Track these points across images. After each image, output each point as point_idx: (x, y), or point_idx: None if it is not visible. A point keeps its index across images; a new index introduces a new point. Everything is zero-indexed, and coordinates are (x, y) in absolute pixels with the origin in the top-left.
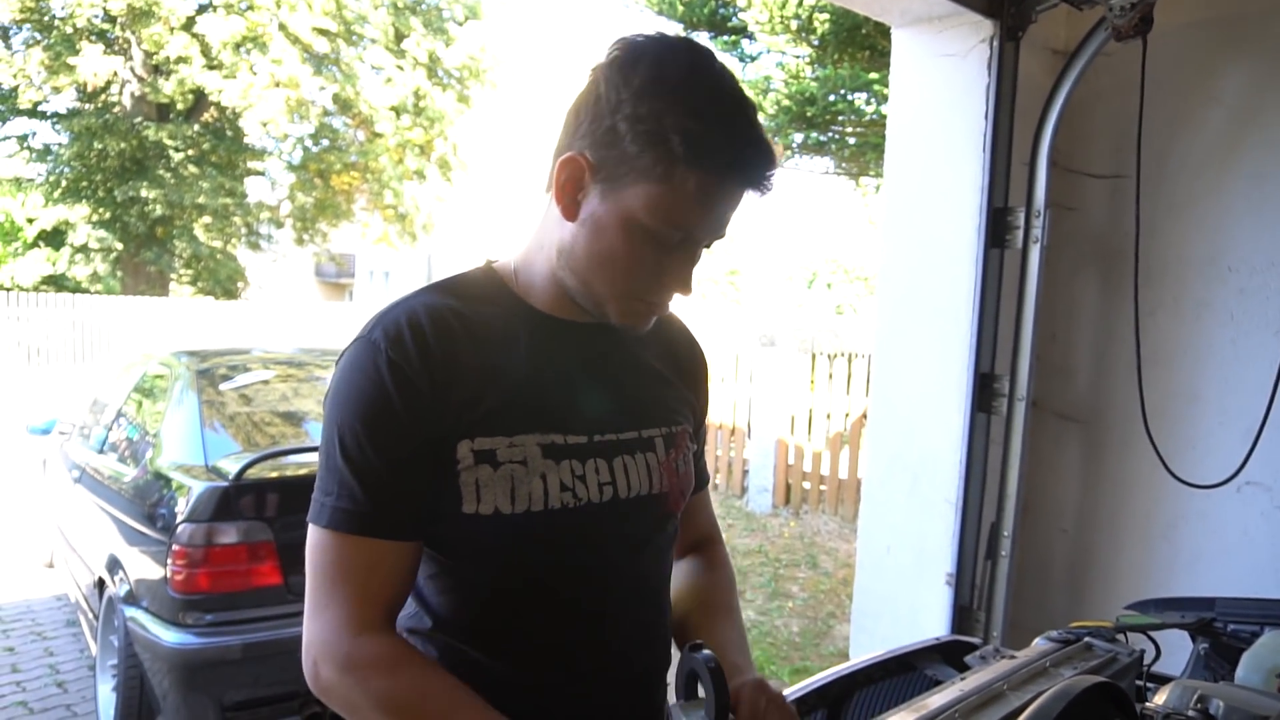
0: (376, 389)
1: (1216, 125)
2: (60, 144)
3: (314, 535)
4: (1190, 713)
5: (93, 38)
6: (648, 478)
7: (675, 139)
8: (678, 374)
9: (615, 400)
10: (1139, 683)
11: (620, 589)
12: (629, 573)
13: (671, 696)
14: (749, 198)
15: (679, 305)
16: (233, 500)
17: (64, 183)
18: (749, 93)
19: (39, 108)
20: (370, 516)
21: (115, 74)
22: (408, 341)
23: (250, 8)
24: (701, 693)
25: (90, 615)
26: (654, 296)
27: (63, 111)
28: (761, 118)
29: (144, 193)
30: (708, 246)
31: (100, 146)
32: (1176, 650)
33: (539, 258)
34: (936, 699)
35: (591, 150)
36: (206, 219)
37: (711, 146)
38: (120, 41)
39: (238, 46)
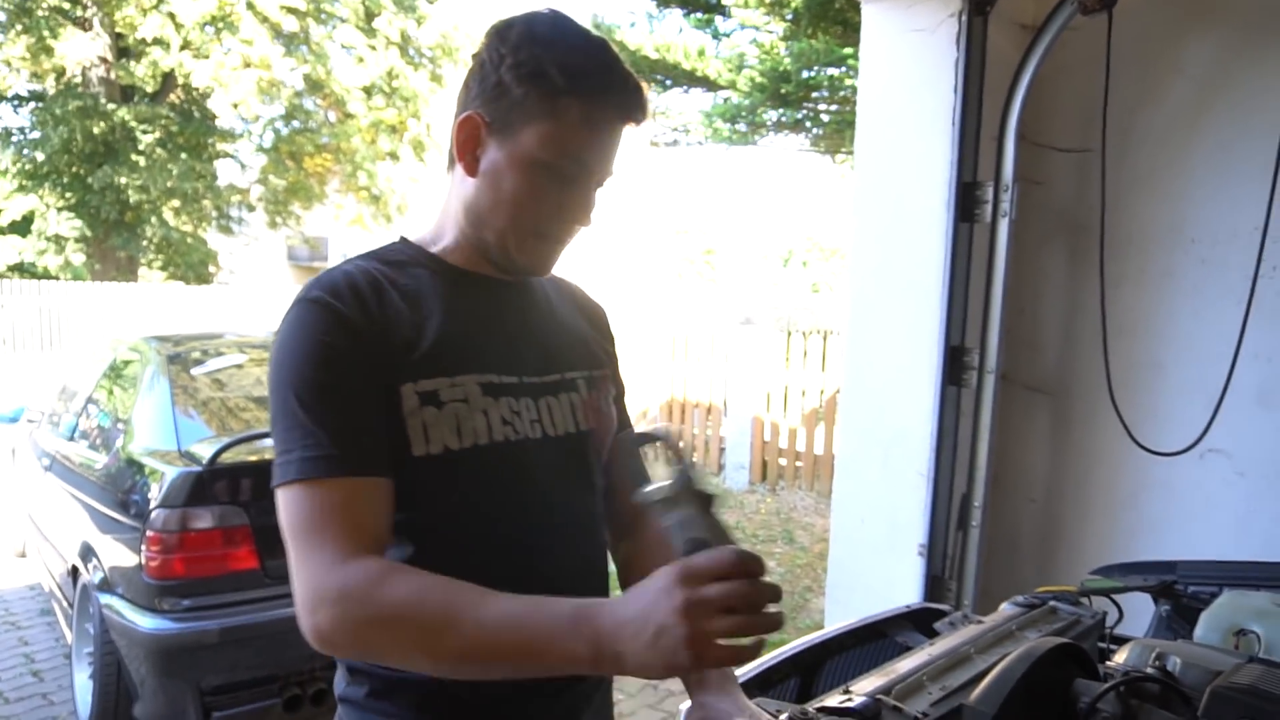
0: (325, 336)
1: (1180, 97)
2: (23, 128)
3: (284, 495)
4: (1149, 670)
5: (59, 18)
6: (572, 416)
7: (554, 71)
8: (591, 328)
9: (536, 345)
10: (1102, 644)
11: (558, 524)
12: (566, 508)
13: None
14: (629, 131)
15: (591, 254)
16: (207, 485)
17: (29, 168)
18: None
19: (3, 91)
20: (338, 457)
21: (87, 56)
22: (345, 293)
23: None
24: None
25: (65, 603)
26: (555, 230)
27: (24, 94)
28: (736, 96)
29: (119, 178)
30: (600, 184)
31: (69, 131)
32: (1142, 613)
33: (448, 224)
34: (906, 663)
35: (483, 107)
36: (175, 203)
37: (587, 73)
38: (85, 22)
39: (205, 26)
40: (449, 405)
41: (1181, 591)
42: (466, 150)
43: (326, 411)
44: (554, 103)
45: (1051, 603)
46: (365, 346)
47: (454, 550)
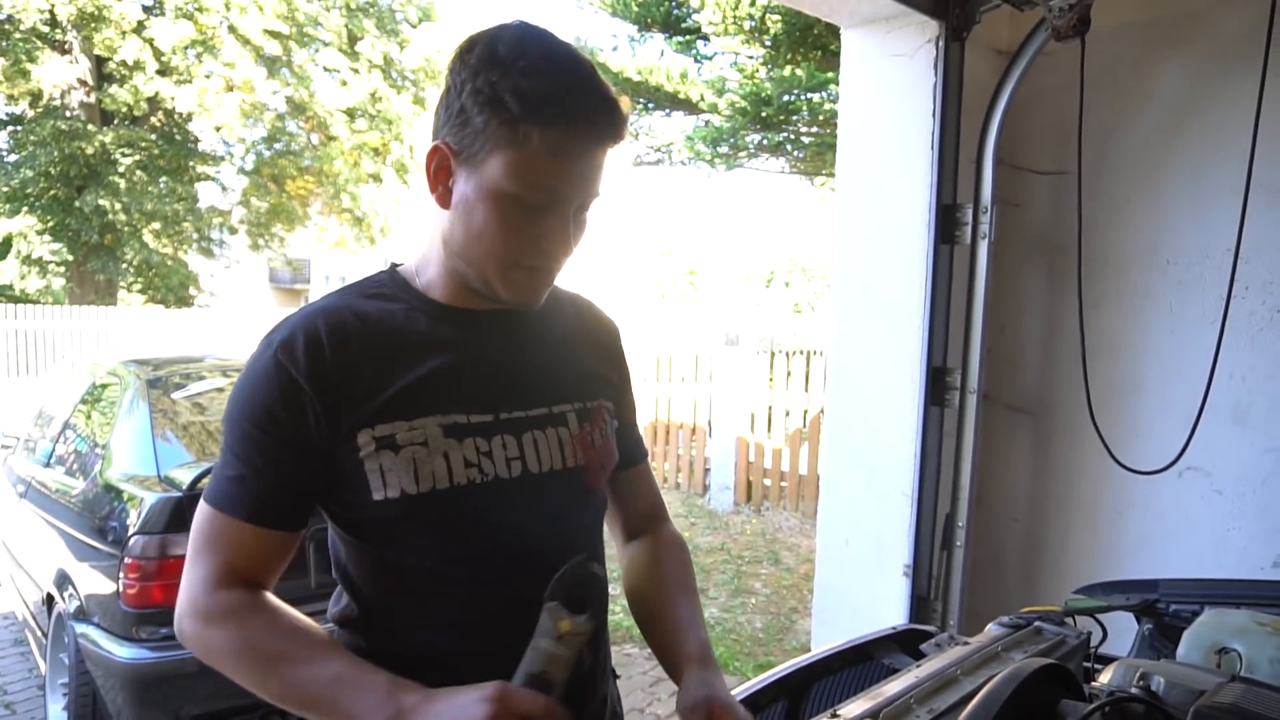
0: (263, 391)
1: (1153, 121)
2: (0, 150)
3: (199, 506)
4: (1133, 690)
5: (37, 40)
6: (559, 452)
7: (509, 98)
8: (592, 351)
9: (522, 378)
10: (1086, 664)
11: (532, 564)
12: (549, 547)
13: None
14: (608, 151)
15: (573, 276)
16: (186, 511)
17: (8, 191)
18: (585, 55)
19: None
20: (243, 503)
21: (64, 79)
22: (299, 348)
23: (199, 9)
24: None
25: (39, 633)
26: (535, 262)
27: (3, 118)
28: (717, 119)
29: (101, 201)
30: (584, 209)
31: (49, 154)
32: (1125, 632)
33: (432, 255)
34: (892, 686)
35: (450, 135)
36: (156, 225)
37: (544, 98)
38: (65, 45)
39: (186, 49)
40: (406, 449)
41: (1163, 610)
42: (439, 181)
43: (250, 462)
44: (514, 130)
45: (1036, 623)
46: (304, 406)
47: (429, 588)
